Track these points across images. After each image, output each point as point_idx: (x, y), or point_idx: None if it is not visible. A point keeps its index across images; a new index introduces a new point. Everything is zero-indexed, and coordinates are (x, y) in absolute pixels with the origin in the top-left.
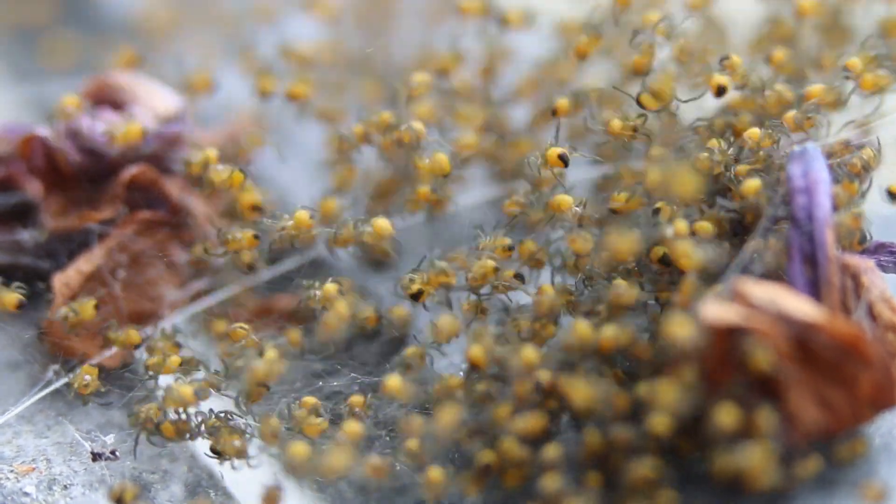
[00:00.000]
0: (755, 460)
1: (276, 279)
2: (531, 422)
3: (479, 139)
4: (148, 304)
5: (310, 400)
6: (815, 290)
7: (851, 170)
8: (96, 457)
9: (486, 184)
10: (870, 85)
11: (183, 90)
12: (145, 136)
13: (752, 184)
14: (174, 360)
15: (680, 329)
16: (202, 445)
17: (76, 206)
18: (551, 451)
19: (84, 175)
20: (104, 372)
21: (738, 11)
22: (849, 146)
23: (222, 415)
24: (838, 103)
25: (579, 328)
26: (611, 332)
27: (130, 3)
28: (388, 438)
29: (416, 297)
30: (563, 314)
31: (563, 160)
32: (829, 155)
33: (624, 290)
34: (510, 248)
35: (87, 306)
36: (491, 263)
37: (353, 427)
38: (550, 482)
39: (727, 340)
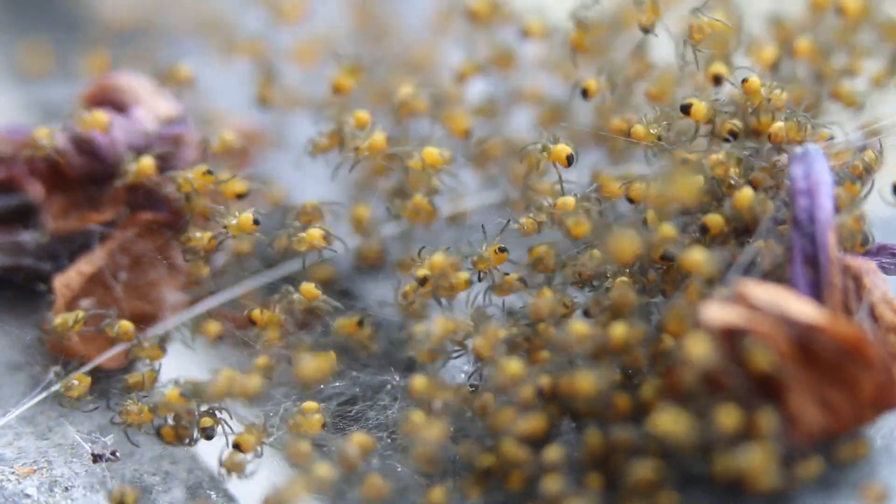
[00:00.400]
0: (756, 462)
1: (279, 282)
2: (532, 424)
3: (473, 146)
4: (149, 306)
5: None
6: (816, 291)
7: (853, 171)
8: (97, 458)
9: (488, 187)
10: None
11: (164, 83)
12: (111, 126)
13: (745, 195)
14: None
15: (697, 348)
16: (203, 447)
17: (77, 207)
18: (553, 452)
19: (85, 177)
20: (105, 373)
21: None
22: (851, 147)
23: (212, 411)
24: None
25: (575, 327)
26: (620, 331)
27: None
28: (389, 441)
29: (422, 282)
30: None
31: (570, 161)
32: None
33: (625, 290)
34: (503, 250)
35: (75, 319)
36: (464, 276)
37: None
38: (551, 484)
39: (728, 342)
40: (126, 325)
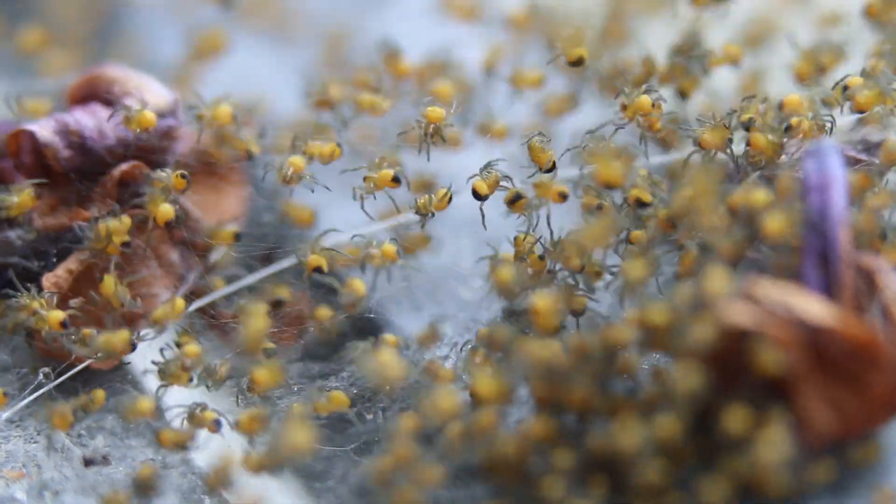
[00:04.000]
0: (767, 464)
1: (271, 278)
2: (536, 428)
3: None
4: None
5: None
6: (827, 290)
7: (886, 160)
8: (88, 462)
9: None
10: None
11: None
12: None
13: (759, 196)
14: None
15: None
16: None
17: (66, 203)
18: (562, 457)
19: (74, 172)
20: (95, 375)
21: None
22: (865, 142)
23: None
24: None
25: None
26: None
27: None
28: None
29: (481, 197)
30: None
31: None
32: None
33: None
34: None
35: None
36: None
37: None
38: (553, 488)
39: (738, 342)
40: (86, 333)
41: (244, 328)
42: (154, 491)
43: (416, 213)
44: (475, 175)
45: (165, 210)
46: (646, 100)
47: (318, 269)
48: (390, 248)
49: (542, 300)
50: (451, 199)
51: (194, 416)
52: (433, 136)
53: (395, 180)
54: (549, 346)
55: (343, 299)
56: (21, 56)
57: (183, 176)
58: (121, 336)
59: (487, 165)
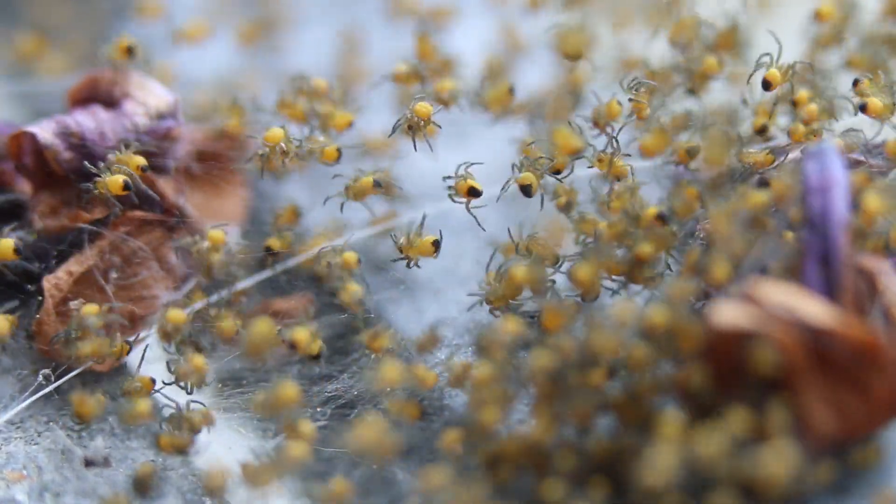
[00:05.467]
0: (770, 467)
1: (275, 280)
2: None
3: None
4: (141, 306)
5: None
6: (828, 292)
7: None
8: (89, 464)
9: None
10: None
11: None
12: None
13: (758, 197)
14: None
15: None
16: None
17: (67, 205)
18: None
19: (75, 174)
20: (96, 377)
21: None
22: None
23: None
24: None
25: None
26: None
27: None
28: None
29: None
30: None
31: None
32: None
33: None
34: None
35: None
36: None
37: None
38: (553, 490)
39: (738, 343)
40: (94, 344)
41: (249, 332)
42: (154, 491)
43: (400, 251)
44: (459, 178)
45: (115, 181)
46: (614, 104)
47: (269, 250)
48: (352, 256)
49: (583, 268)
50: (438, 246)
51: (176, 418)
52: (417, 130)
53: (377, 185)
54: (550, 354)
55: (342, 298)
56: (19, 58)
57: (143, 169)
58: (106, 341)
59: (460, 168)
